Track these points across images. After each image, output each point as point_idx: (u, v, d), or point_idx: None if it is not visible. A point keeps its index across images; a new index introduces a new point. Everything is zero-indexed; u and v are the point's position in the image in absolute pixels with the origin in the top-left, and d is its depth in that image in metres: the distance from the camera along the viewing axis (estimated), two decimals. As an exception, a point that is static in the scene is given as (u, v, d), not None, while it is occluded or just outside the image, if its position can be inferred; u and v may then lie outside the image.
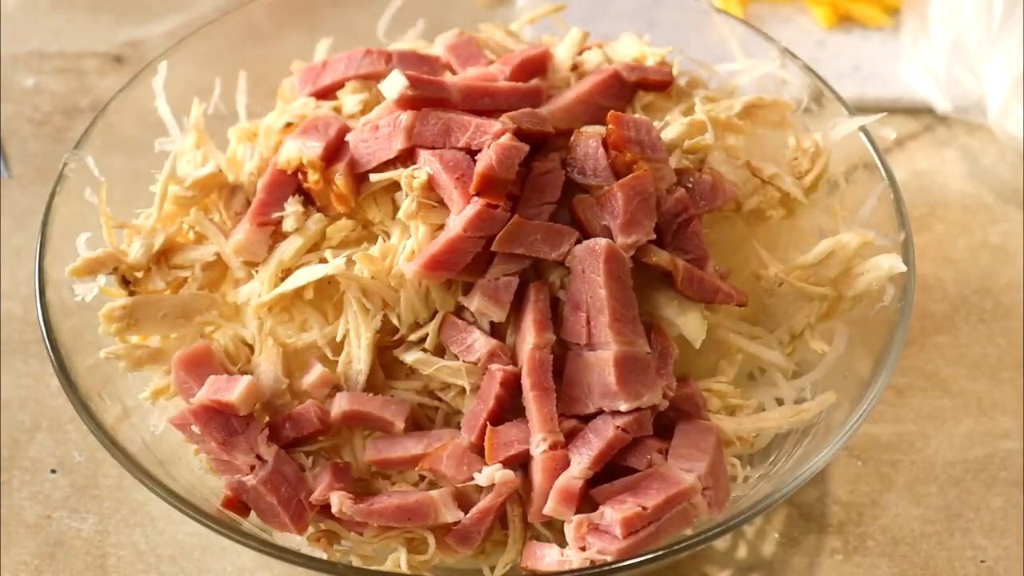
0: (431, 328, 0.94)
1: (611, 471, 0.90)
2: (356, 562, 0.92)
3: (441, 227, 0.94)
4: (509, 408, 0.92)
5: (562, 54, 1.06)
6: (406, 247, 0.94)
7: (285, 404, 0.95)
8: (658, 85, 1.04)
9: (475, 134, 0.94)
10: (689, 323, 0.93)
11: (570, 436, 0.91)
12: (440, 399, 0.96)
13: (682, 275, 0.92)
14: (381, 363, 0.96)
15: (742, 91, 1.09)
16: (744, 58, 1.13)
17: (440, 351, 0.95)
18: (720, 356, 0.99)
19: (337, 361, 0.95)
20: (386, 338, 0.95)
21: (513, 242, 0.91)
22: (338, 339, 0.95)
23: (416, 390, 0.96)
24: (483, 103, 0.98)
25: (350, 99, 1.04)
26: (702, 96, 1.05)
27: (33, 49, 1.47)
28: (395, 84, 0.95)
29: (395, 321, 0.94)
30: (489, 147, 0.91)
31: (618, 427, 0.89)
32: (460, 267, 0.91)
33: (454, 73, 1.06)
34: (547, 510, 0.89)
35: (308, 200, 0.99)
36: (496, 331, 0.94)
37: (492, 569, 0.93)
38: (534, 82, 1.03)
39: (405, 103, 0.96)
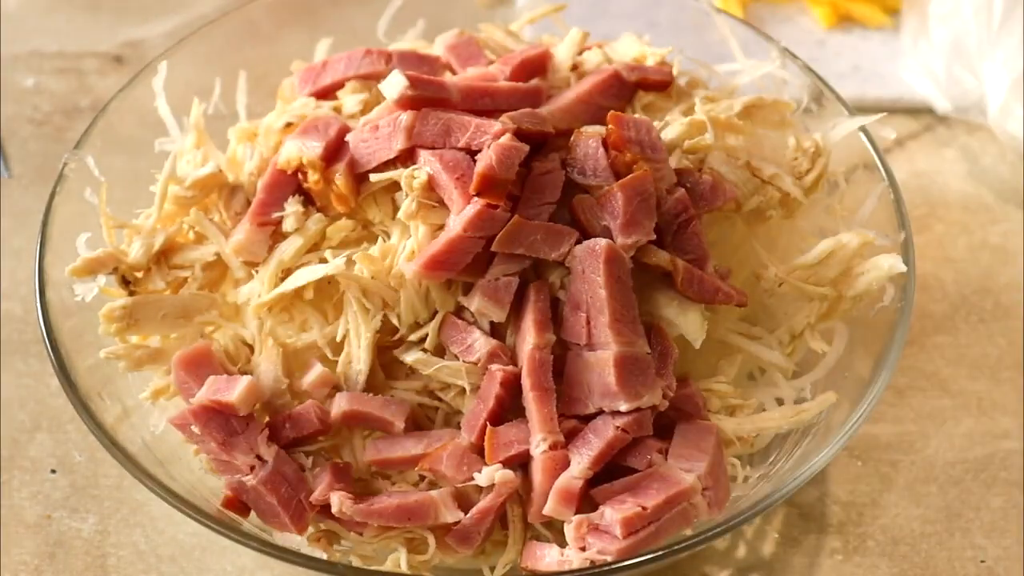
0: (431, 328, 0.94)
1: (611, 471, 0.90)
2: (356, 562, 0.91)
3: (441, 227, 0.94)
4: (509, 408, 0.92)
5: (562, 54, 1.06)
6: (406, 247, 0.94)
7: (285, 404, 0.95)
8: (658, 85, 1.04)
9: (475, 134, 0.94)
10: (689, 323, 0.93)
11: (570, 436, 0.91)
12: (440, 399, 0.96)
13: (682, 275, 0.92)
14: (381, 363, 0.96)
15: (742, 91, 1.09)
16: (744, 58, 1.12)
17: (440, 351, 0.95)
18: (720, 356, 0.99)
19: (337, 361, 0.95)
20: (386, 338, 0.95)
21: (513, 242, 0.91)
22: (338, 339, 0.95)
23: (416, 390, 0.96)
24: (483, 103, 0.98)
25: (350, 99, 1.04)
26: (702, 96, 1.05)
27: (33, 49, 1.47)
28: (395, 84, 0.95)
29: (395, 321, 0.94)
30: (489, 147, 0.91)
31: (618, 427, 0.89)
32: (460, 267, 0.91)
33: (454, 73, 1.05)
34: (547, 510, 0.89)
35: (308, 200, 0.99)
36: (496, 331, 0.94)
37: (492, 569, 0.93)
38: (534, 82, 1.03)
39: (405, 103, 0.96)
